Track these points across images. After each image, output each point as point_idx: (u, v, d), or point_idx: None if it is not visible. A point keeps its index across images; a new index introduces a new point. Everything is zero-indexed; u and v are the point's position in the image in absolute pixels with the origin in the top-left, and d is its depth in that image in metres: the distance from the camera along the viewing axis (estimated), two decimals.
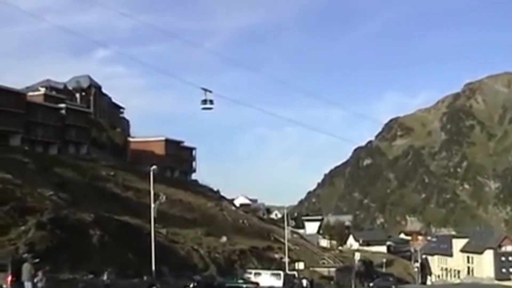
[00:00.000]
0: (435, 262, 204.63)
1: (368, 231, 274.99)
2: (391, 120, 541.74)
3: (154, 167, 73.97)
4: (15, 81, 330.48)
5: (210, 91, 66.66)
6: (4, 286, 42.88)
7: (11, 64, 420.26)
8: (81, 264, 62.21)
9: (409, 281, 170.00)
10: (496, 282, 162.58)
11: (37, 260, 49.10)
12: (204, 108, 68.29)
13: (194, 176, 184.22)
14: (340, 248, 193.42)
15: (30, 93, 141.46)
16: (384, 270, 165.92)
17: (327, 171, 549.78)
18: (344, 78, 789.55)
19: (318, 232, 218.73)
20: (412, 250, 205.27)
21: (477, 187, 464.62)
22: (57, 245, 63.39)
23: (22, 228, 63.72)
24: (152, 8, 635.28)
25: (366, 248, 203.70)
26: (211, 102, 67.65)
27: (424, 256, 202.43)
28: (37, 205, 72.96)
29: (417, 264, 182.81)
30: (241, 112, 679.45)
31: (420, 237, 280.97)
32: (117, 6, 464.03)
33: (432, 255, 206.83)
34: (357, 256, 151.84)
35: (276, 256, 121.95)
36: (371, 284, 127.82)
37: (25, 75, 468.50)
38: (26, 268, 42.66)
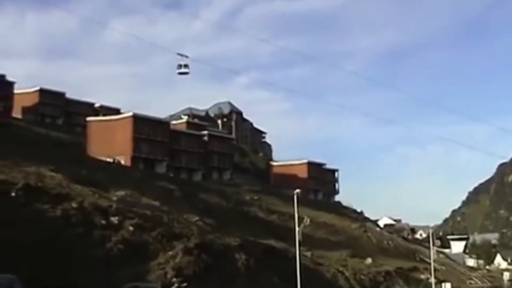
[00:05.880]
0: None
1: None
2: None
3: (297, 190, 73.83)
4: (159, 111, 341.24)
5: (187, 56, 65.74)
6: None
7: (155, 94, 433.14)
8: None
9: None
10: None
11: (185, 284, 50.04)
12: (180, 73, 67.59)
13: (337, 198, 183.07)
14: (487, 267, 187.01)
15: (174, 122, 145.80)
16: None
17: (471, 189, 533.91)
18: (486, 92, 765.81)
19: (464, 251, 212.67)
20: None
21: None
22: (204, 270, 64.45)
23: (170, 253, 65.14)
24: (291, 32, 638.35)
25: None
26: (186, 66, 66.75)
27: None
28: (183, 230, 74.43)
29: None
30: (383, 131, 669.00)
31: None
32: (256, 33, 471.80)
33: None
34: (506, 275, 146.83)
35: (422, 276, 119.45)
36: None
37: (168, 104, 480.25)
38: None
